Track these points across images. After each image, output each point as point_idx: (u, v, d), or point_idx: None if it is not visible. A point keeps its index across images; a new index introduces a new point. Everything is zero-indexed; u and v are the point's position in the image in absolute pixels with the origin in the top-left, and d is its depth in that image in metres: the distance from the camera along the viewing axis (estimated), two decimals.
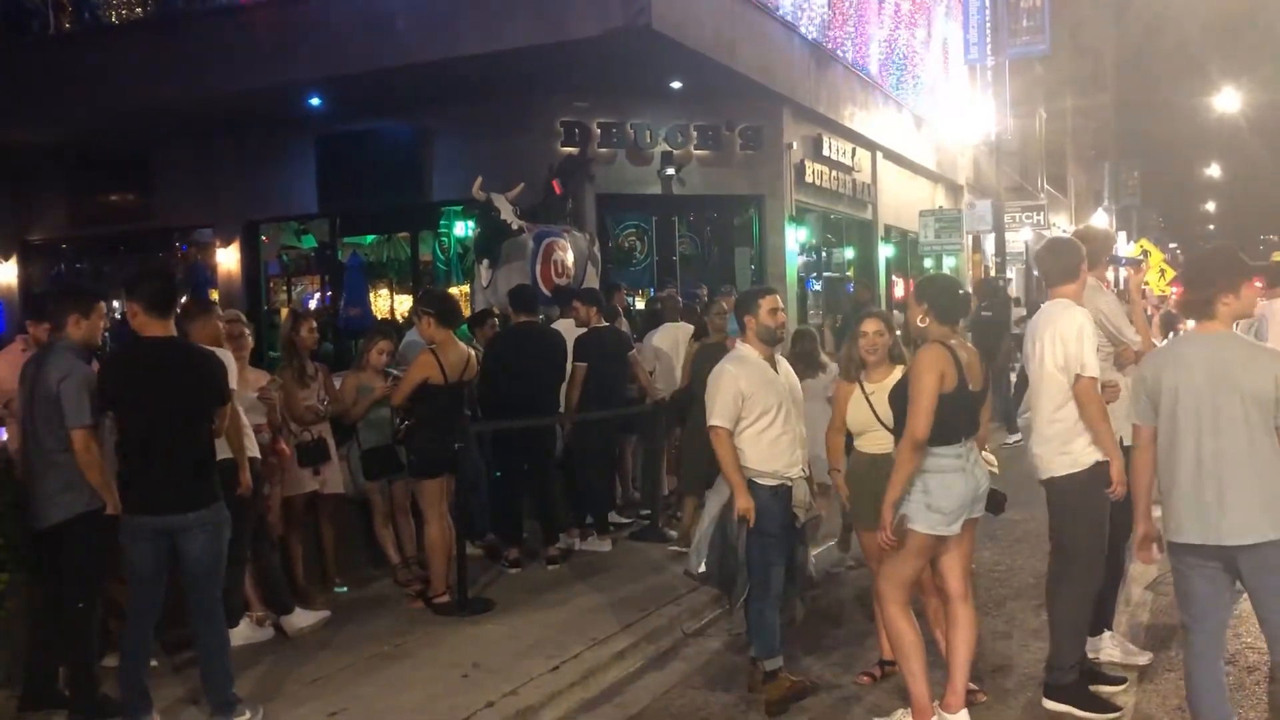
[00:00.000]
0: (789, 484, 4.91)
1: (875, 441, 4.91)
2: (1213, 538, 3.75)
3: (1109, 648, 5.26)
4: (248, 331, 6.28)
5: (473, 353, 6.74)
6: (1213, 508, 3.74)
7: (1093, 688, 4.81)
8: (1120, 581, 5.51)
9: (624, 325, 9.31)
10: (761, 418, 4.86)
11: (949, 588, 4.59)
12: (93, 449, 4.66)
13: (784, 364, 5.15)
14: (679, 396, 7.81)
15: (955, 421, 4.36)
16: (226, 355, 5.24)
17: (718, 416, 4.85)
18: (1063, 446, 4.62)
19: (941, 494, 4.33)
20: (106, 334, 14.54)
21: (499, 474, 7.47)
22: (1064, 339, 4.57)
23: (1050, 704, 4.75)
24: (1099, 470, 4.57)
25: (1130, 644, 5.38)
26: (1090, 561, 4.71)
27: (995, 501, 4.62)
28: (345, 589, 6.88)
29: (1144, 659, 5.27)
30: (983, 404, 4.60)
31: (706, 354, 7.19)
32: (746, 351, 5.00)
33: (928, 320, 4.49)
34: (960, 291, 4.67)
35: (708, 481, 6.66)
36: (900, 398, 4.55)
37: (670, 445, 8.67)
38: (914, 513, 4.36)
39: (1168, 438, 3.88)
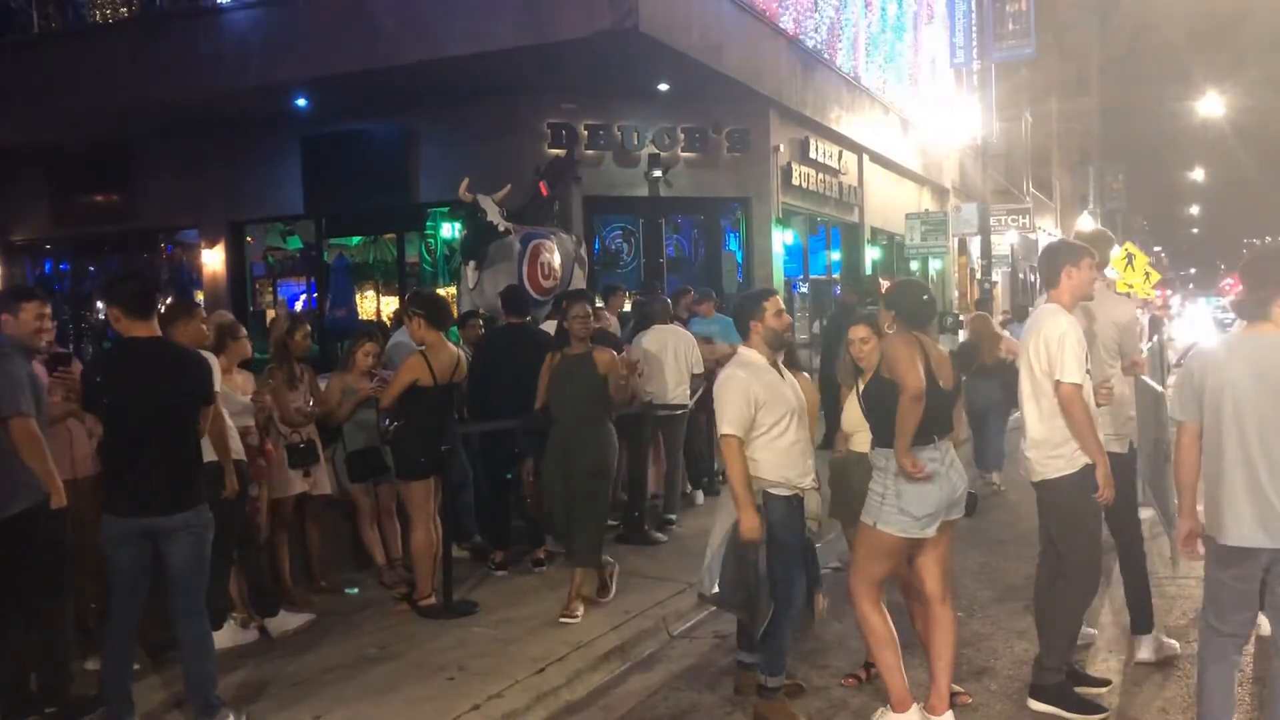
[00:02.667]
0: (801, 494, 4.72)
1: (866, 442, 4.87)
2: (1264, 540, 3.75)
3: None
4: (242, 332, 6.27)
5: (462, 354, 6.73)
6: (1266, 509, 3.74)
7: (1077, 689, 4.82)
8: (1103, 584, 5.54)
9: (614, 327, 9.30)
10: (775, 425, 4.64)
11: (927, 590, 4.59)
12: (31, 434, 4.53)
13: (786, 371, 4.93)
14: (535, 419, 6.53)
15: (926, 421, 4.34)
16: (210, 356, 5.21)
17: (729, 424, 4.57)
18: (1054, 450, 4.63)
19: (914, 498, 4.33)
20: (86, 337, 14.51)
21: (509, 476, 7.37)
22: (1047, 344, 4.59)
23: (1036, 705, 4.77)
24: (1090, 473, 4.59)
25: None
26: (1088, 564, 4.74)
27: (968, 502, 4.62)
28: (356, 590, 6.89)
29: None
30: (954, 404, 4.59)
31: (568, 367, 6.38)
32: (752, 356, 4.77)
33: (895, 326, 4.56)
34: (925, 297, 4.64)
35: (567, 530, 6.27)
36: (869, 398, 4.56)
37: (524, 482, 7.34)
38: (885, 515, 4.36)
39: (1213, 438, 3.88)
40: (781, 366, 4.86)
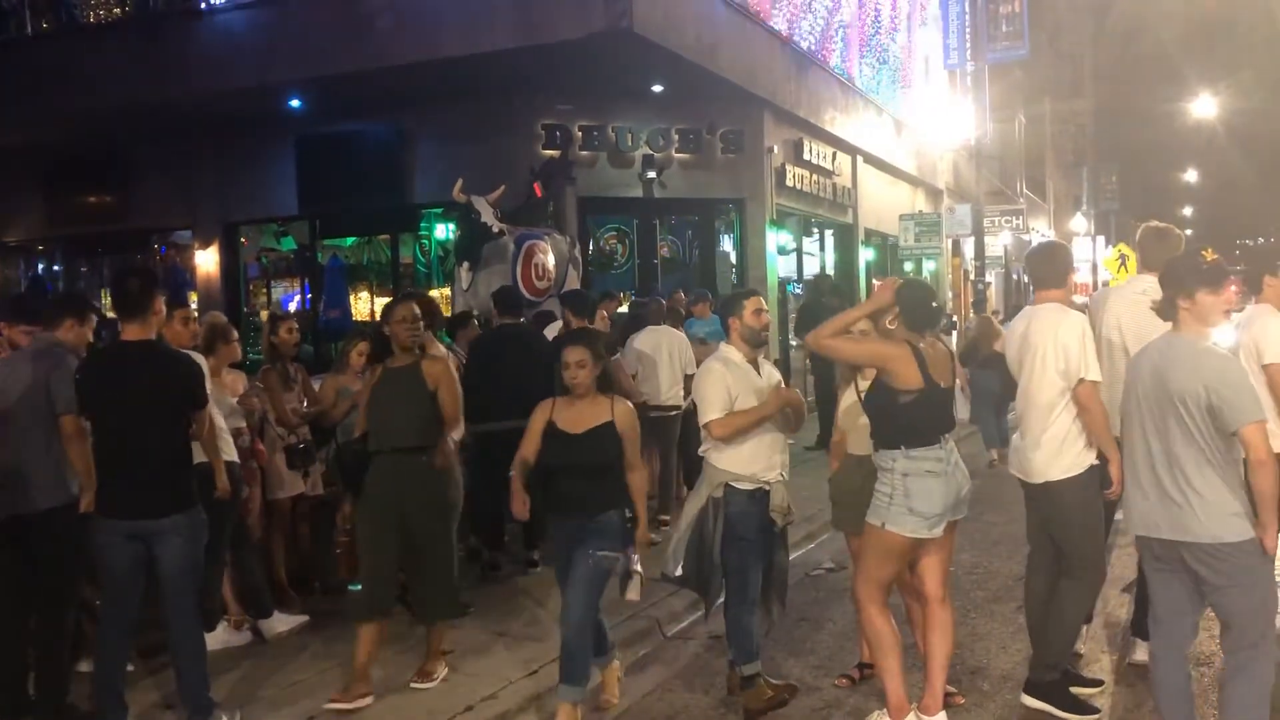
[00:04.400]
0: (766, 488, 4.84)
1: (859, 443, 4.87)
2: (1166, 533, 3.85)
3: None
4: (234, 335, 6.25)
5: (450, 355, 6.72)
6: (1157, 504, 3.86)
7: (1071, 690, 4.83)
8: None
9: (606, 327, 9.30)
10: None
11: (926, 590, 4.59)
12: (82, 433, 4.67)
13: (767, 366, 5.06)
14: (351, 451, 5.29)
15: (931, 422, 4.37)
16: (200, 358, 5.20)
17: (715, 409, 4.74)
18: (1059, 450, 4.63)
19: (922, 497, 4.32)
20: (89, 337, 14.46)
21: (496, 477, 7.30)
22: (1067, 346, 4.58)
23: (1029, 700, 4.77)
24: (1095, 473, 4.60)
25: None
26: (1094, 563, 4.76)
27: None
28: (359, 586, 6.81)
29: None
30: (953, 401, 4.59)
31: (390, 384, 5.16)
32: (730, 353, 4.91)
33: (897, 324, 4.51)
34: (934, 305, 4.62)
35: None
36: (870, 400, 4.55)
37: (340, 529, 6.71)
38: (894, 516, 4.34)
39: (1126, 434, 4.03)
40: (760, 363, 4.98)
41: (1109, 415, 4.81)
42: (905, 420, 4.35)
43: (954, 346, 13.72)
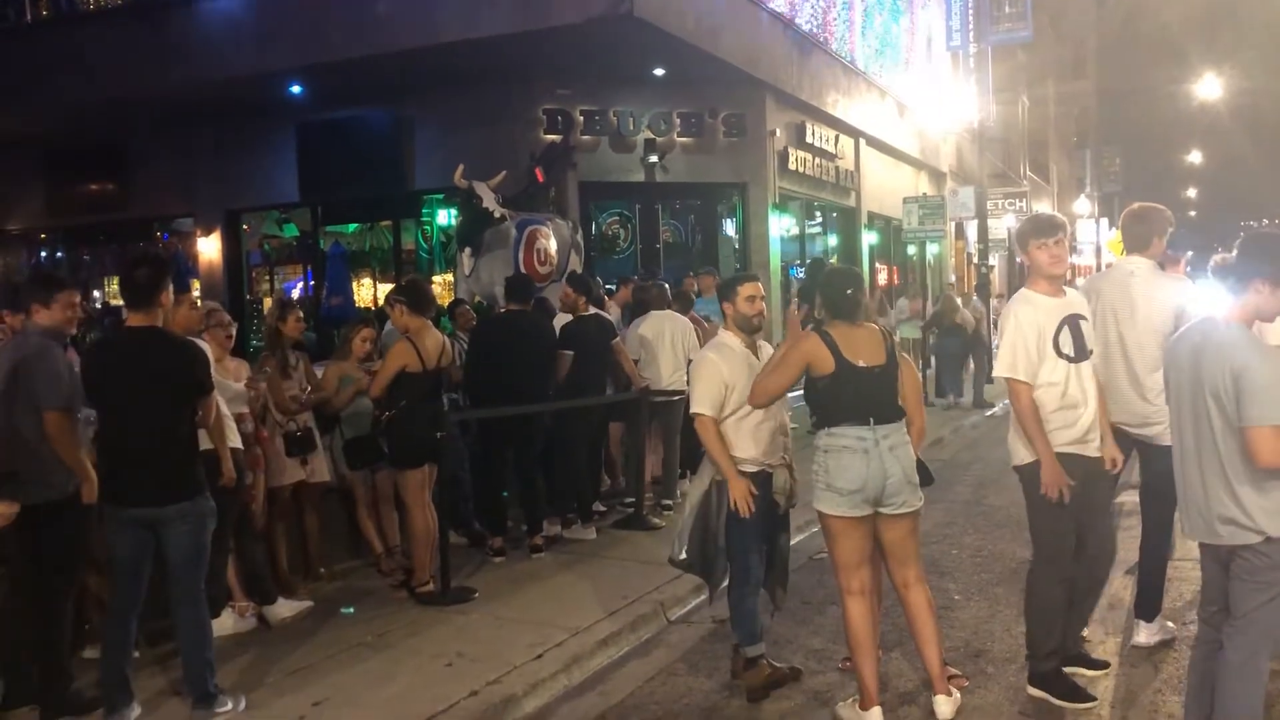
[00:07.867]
0: (769, 470, 4.88)
1: None
2: (1200, 534, 3.75)
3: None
4: (229, 321, 6.24)
5: (448, 340, 6.73)
6: (1199, 503, 3.72)
7: (1076, 670, 4.83)
8: None
9: (614, 313, 9.30)
10: (743, 405, 4.80)
11: (892, 578, 4.62)
12: (67, 430, 4.60)
13: (766, 350, 5.07)
14: None
15: (849, 400, 4.39)
16: (205, 344, 5.20)
17: (702, 404, 4.78)
18: (1021, 436, 4.63)
19: (839, 473, 4.37)
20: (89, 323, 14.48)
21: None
22: (1002, 334, 4.60)
23: (1033, 691, 4.78)
24: (1065, 461, 4.55)
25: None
26: (1054, 549, 4.66)
27: (921, 475, 4.58)
28: (352, 609, 6.38)
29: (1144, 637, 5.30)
30: (889, 381, 4.49)
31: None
32: (728, 339, 4.97)
33: (821, 313, 4.69)
34: (850, 292, 4.54)
35: None
36: (805, 386, 4.61)
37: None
38: (819, 494, 4.45)
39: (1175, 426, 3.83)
40: (759, 347, 4.99)
41: (1116, 404, 4.78)
42: (822, 401, 4.46)
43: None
